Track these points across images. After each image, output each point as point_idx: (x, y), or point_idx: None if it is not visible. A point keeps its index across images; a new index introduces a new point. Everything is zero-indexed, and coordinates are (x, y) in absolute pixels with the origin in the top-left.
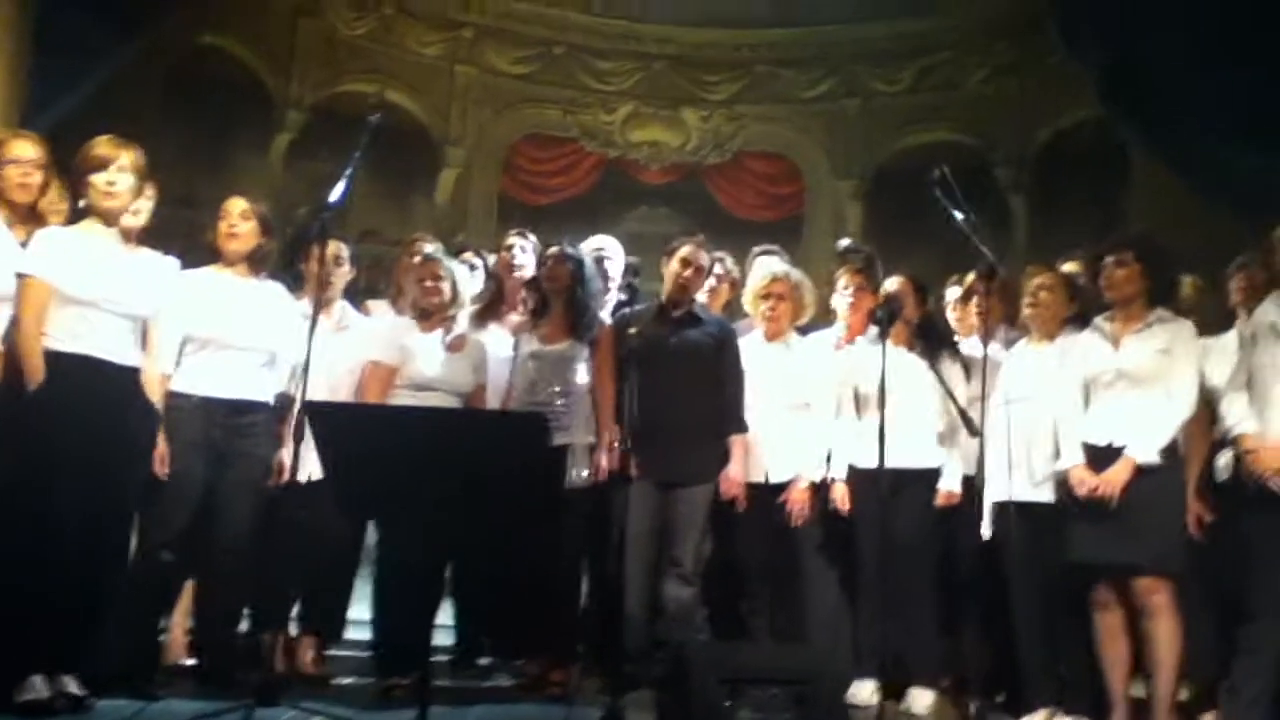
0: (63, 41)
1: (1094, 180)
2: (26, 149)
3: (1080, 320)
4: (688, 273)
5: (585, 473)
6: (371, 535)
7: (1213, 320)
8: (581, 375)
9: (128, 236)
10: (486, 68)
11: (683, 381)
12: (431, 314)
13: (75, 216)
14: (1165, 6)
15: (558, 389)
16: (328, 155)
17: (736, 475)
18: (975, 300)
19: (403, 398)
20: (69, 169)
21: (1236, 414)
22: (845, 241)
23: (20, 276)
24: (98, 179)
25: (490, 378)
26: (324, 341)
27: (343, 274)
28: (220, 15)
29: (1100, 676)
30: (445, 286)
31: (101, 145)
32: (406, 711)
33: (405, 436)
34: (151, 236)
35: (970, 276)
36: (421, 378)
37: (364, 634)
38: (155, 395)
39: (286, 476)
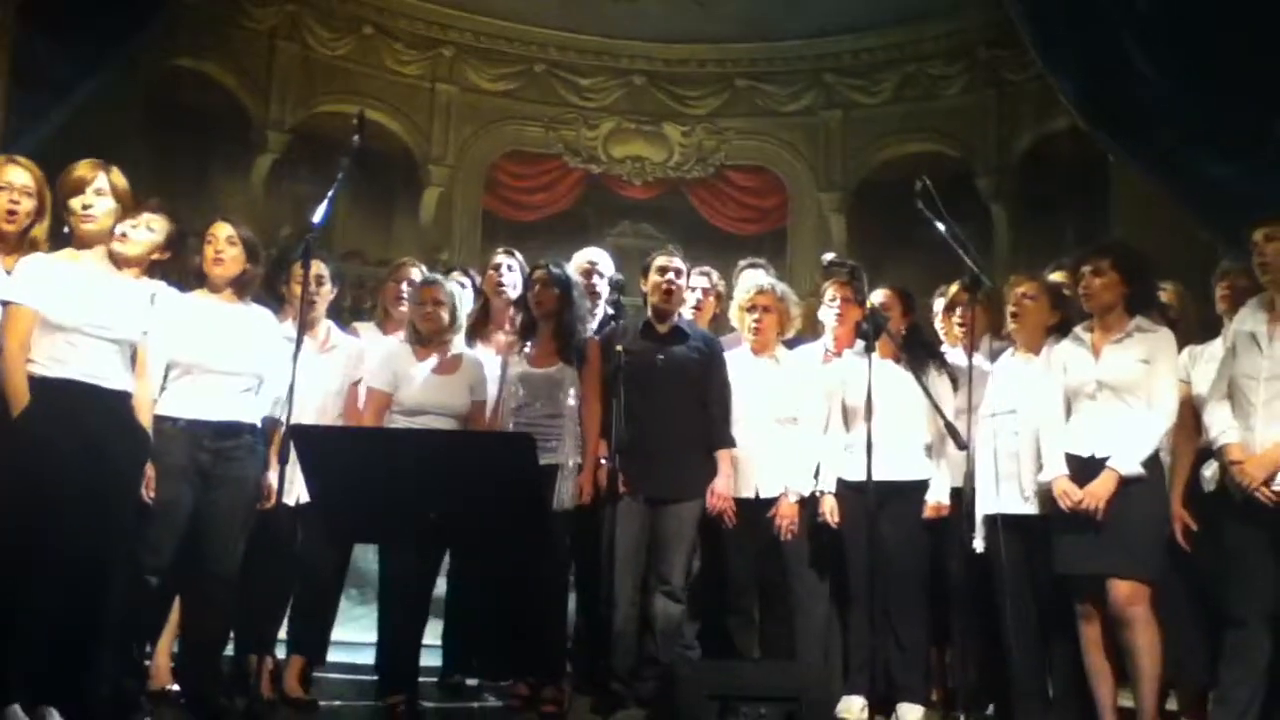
0: (36, 70)
1: (1076, 188)
2: (17, 174)
3: (1065, 329)
4: (668, 278)
5: (570, 493)
6: (357, 557)
7: (1200, 327)
8: (570, 397)
9: (121, 263)
10: (467, 86)
11: (669, 397)
12: (430, 339)
13: (62, 242)
14: (1135, 21)
15: (546, 411)
16: (309, 176)
17: (724, 489)
18: (959, 311)
19: (397, 421)
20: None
21: (1220, 424)
22: (829, 255)
23: (4, 304)
24: (75, 202)
25: None
26: (310, 363)
27: (325, 294)
28: (196, 39)
29: (1088, 688)
30: (444, 313)
31: (79, 168)
32: None
33: (391, 459)
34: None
35: (954, 287)
36: (414, 402)
37: (348, 656)
38: (146, 419)
39: (274, 499)
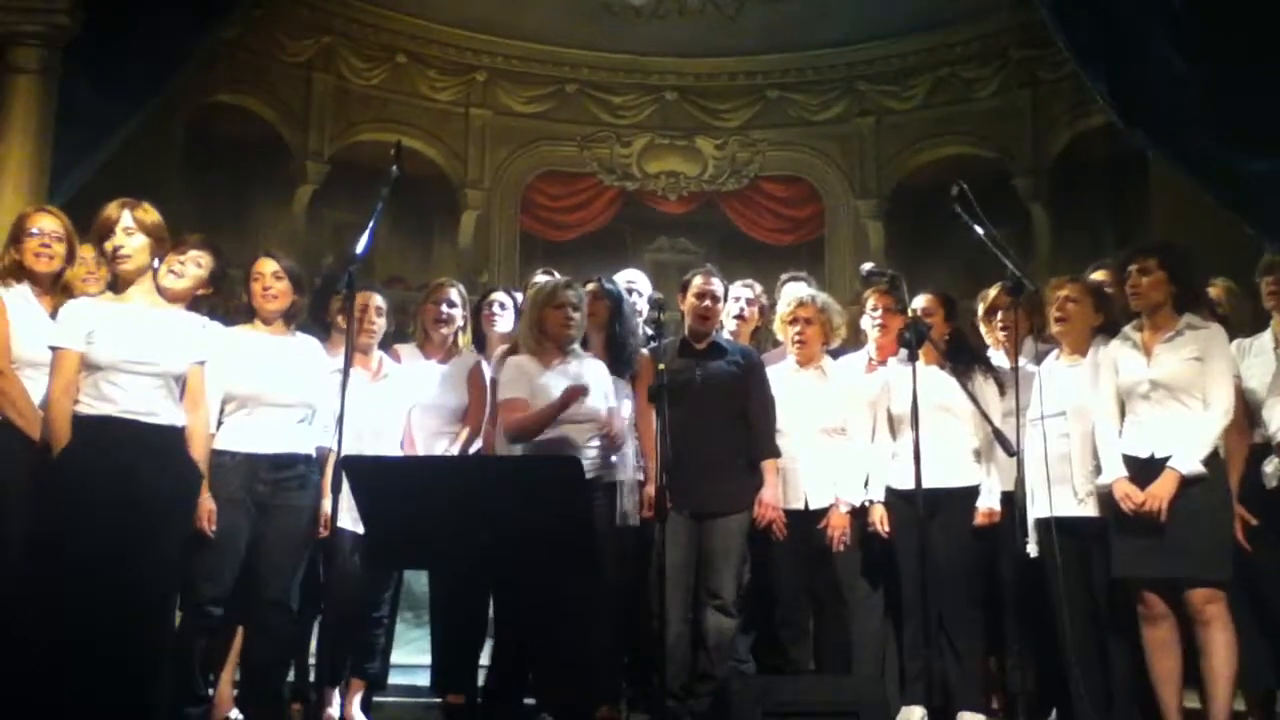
0: (81, 110)
1: (1114, 185)
2: (46, 222)
3: (1110, 330)
4: (705, 304)
5: (633, 507)
6: (410, 580)
7: (1248, 322)
8: (625, 410)
9: (169, 297)
10: (500, 109)
11: (711, 413)
12: (562, 345)
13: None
14: (1168, 19)
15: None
16: (349, 205)
17: (771, 499)
18: (1000, 315)
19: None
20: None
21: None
22: (868, 265)
23: (52, 350)
24: (107, 245)
25: None
26: (362, 392)
27: (380, 326)
28: (233, 73)
29: (1149, 692)
30: (579, 317)
31: (106, 210)
32: None
33: (440, 486)
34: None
35: (994, 291)
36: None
37: (404, 679)
38: (200, 451)
39: (329, 528)
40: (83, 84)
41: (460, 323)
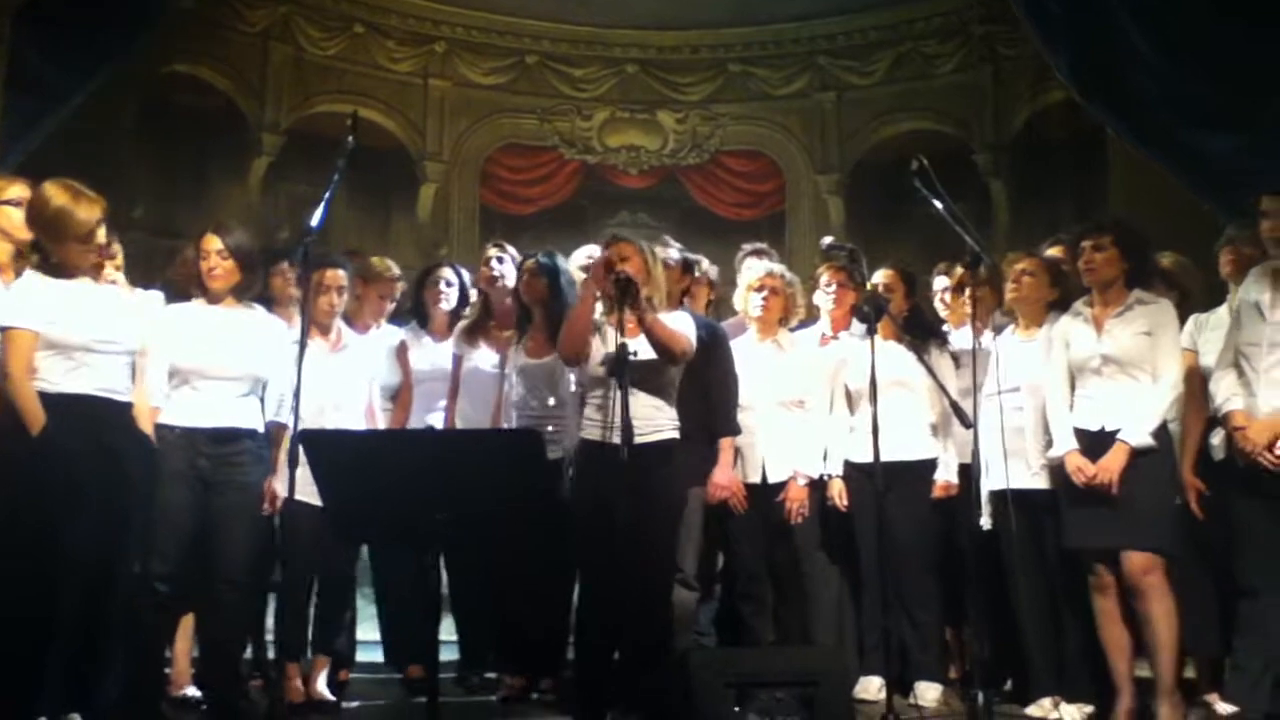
0: (31, 77)
1: (1074, 161)
2: (23, 190)
3: (1065, 305)
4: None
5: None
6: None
7: (1205, 295)
8: (570, 386)
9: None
10: (460, 80)
11: None
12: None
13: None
14: None
15: (551, 402)
16: (306, 177)
17: (722, 479)
18: (968, 291)
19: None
20: None
21: (1224, 391)
22: (828, 239)
23: (3, 329)
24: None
25: (478, 393)
26: (322, 364)
27: (343, 302)
28: (189, 43)
29: (1102, 661)
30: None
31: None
32: None
33: (399, 460)
34: (133, 267)
35: (959, 268)
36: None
37: (366, 655)
38: (148, 428)
39: (279, 503)
40: (32, 52)
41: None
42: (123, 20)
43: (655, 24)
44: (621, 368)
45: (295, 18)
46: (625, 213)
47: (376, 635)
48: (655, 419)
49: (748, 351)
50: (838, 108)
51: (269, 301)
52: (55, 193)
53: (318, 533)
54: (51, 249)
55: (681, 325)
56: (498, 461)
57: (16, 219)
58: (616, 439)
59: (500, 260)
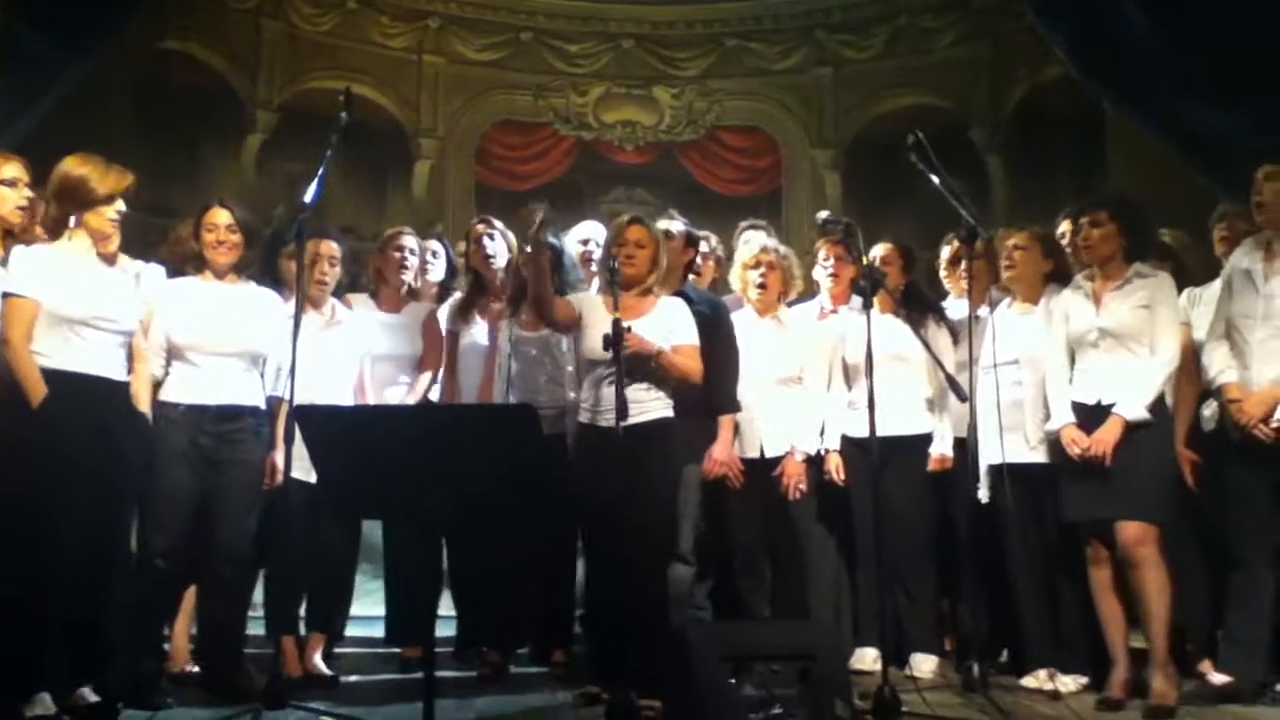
0: (24, 56)
1: (1072, 137)
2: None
3: (1062, 278)
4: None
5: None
6: (368, 533)
7: (1202, 271)
8: (568, 359)
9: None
10: (454, 57)
11: None
12: (630, 285)
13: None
14: None
15: (547, 376)
16: (299, 154)
17: (720, 455)
18: (964, 264)
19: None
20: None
21: (1218, 364)
22: (824, 214)
23: (4, 295)
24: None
25: (474, 369)
26: (315, 339)
27: (335, 274)
28: (182, 20)
29: (1098, 633)
30: (648, 255)
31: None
32: (412, 705)
33: (394, 436)
34: (127, 245)
35: (956, 241)
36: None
37: (365, 630)
38: (145, 406)
39: (280, 479)
40: (28, 26)
41: (414, 271)
42: None
43: None
44: (617, 346)
45: None
46: (622, 189)
47: (377, 611)
48: (644, 401)
49: (747, 328)
50: (835, 82)
51: (278, 284)
52: (80, 161)
53: (313, 509)
54: (75, 215)
55: (681, 330)
56: (492, 437)
57: (13, 199)
58: (603, 421)
59: (491, 238)
